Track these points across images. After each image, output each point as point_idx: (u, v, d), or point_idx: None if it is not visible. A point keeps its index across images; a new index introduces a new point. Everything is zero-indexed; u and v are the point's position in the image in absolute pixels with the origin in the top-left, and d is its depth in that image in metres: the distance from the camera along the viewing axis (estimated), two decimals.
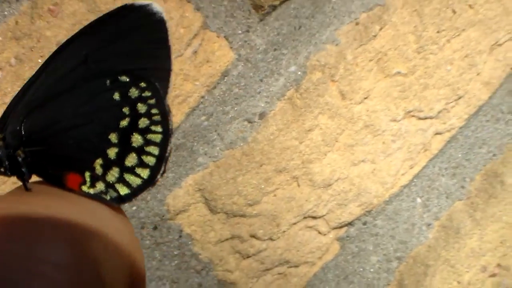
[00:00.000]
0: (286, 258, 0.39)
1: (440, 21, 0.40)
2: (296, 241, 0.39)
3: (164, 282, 0.38)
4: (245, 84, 0.37)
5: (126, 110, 0.18)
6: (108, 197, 0.19)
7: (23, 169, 0.18)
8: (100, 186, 0.18)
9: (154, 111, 0.19)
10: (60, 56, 0.18)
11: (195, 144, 0.37)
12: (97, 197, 0.18)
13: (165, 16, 0.19)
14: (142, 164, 0.19)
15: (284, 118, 0.38)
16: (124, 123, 0.18)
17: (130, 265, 0.16)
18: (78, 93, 0.18)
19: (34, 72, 0.18)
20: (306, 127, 0.38)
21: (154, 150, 0.19)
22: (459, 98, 0.41)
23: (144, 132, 0.18)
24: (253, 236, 0.38)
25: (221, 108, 0.37)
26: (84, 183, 0.18)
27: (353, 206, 0.40)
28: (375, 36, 0.39)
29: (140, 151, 0.19)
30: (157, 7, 0.18)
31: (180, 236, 0.37)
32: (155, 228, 0.37)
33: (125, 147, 0.18)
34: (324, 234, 0.40)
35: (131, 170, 0.19)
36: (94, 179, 0.18)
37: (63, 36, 0.34)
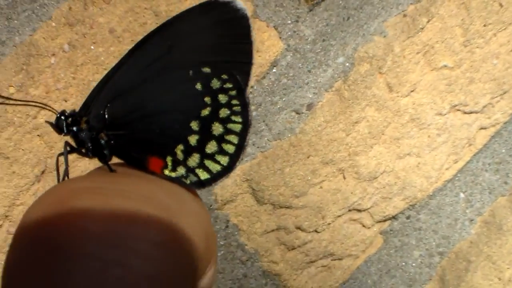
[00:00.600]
0: (330, 251, 0.39)
1: (487, 14, 0.39)
2: (341, 233, 0.39)
3: None
4: (293, 75, 0.37)
5: (207, 100, 0.19)
6: (188, 181, 0.19)
7: (105, 151, 0.19)
8: (181, 170, 0.19)
9: (234, 102, 0.19)
10: (144, 45, 0.19)
11: None
12: (178, 181, 0.19)
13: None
14: (222, 151, 0.19)
15: (331, 110, 0.37)
16: (205, 112, 0.19)
17: (211, 251, 0.17)
18: (162, 82, 0.19)
19: (118, 60, 0.19)
20: (353, 119, 0.38)
21: (234, 139, 0.19)
22: (504, 93, 0.41)
23: (224, 121, 0.19)
24: (298, 228, 0.38)
25: (270, 98, 0.36)
26: (166, 167, 0.19)
27: (398, 200, 0.40)
28: (422, 28, 0.38)
29: (220, 139, 0.19)
30: (241, 4, 0.19)
31: (227, 226, 0.37)
32: None
33: (205, 135, 0.19)
34: (368, 227, 0.40)
35: (211, 157, 0.19)
36: (176, 163, 0.19)
37: (116, 23, 0.34)
